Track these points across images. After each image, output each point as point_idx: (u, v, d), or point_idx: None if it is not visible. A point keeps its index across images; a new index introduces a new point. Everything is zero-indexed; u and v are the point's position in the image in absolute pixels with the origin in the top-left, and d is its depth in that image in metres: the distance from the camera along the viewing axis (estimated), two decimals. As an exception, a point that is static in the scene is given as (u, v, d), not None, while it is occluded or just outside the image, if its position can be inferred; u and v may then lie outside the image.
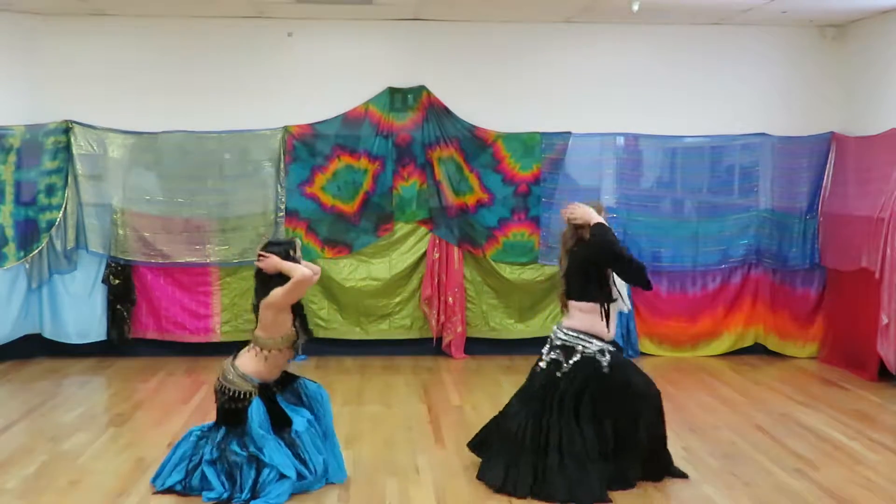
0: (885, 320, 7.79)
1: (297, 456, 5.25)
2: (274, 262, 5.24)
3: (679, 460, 5.84)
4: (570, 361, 5.39)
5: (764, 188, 9.15)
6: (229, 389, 5.23)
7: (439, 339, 9.06)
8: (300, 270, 5.20)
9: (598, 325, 5.42)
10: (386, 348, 9.08)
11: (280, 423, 5.26)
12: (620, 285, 5.63)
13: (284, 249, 5.31)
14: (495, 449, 5.53)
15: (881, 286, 7.83)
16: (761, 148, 9.11)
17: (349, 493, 5.30)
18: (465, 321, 9.08)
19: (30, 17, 8.62)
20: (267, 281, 5.26)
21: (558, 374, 5.40)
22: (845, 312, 8.59)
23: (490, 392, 7.72)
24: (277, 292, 5.18)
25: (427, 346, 9.08)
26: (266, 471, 5.12)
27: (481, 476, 5.48)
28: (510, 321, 9.17)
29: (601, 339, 5.43)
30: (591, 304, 5.43)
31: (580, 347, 5.40)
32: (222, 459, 5.21)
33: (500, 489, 5.30)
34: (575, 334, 5.43)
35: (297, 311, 5.38)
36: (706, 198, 9.18)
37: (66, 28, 8.74)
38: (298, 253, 5.39)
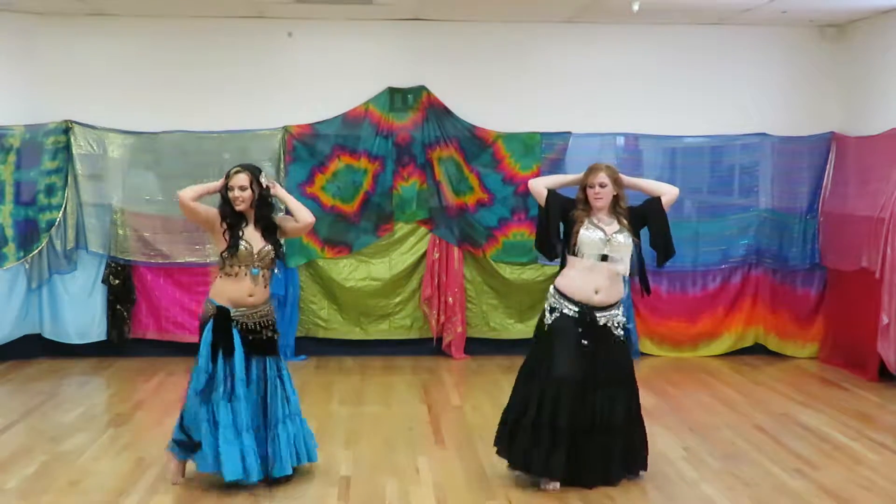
0: (885, 320, 7.78)
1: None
2: None
3: (679, 460, 5.85)
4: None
5: (764, 188, 9.14)
6: (201, 316, 5.42)
7: (439, 339, 9.05)
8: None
9: (560, 280, 5.46)
10: (386, 348, 9.07)
11: (228, 350, 5.25)
12: (589, 244, 5.44)
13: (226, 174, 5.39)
14: None
15: (881, 286, 7.83)
16: (761, 148, 9.11)
17: (349, 493, 5.30)
18: (465, 321, 9.07)
19: (29, 17, 8.61)
20: None
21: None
22: (845, 312, 8.58)
23: (490, 392, 7.71)
24: None
25: (427, 346, 9.08)
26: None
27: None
28: (510, 321, 9.16)
29: (568, 299, 5.37)
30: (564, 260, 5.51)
31: (546, 304, 5.48)
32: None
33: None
34: (550, 291, 5.51)
35: (231, 227, 5.35)
36: (706, 198, 9.17)
37: (66, 28, 8.73)
38: (229, 180, 5.34)
